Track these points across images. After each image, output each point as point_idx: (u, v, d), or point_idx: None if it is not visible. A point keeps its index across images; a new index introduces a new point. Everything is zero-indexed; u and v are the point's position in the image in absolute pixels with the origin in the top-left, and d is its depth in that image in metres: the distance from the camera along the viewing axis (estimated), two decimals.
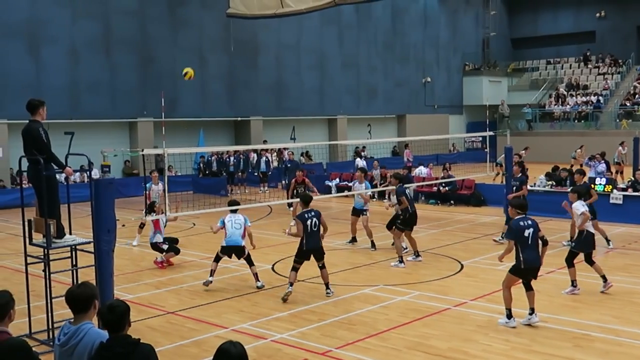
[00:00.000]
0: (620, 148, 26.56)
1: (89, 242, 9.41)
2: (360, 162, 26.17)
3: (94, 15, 26.88)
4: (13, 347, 4.57)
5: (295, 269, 10.80)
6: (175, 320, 9.82)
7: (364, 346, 8.52)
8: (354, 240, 15.46)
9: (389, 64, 39.96)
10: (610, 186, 18.16)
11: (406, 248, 14.02)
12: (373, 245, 14.79)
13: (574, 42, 46.74)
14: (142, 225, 16.00)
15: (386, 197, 22.89)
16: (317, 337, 8.91)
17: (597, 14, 45.66)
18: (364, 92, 38.44)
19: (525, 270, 9.11)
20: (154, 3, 28.65)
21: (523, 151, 24.93)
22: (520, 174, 15.49)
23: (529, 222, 9.13)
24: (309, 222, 10.63)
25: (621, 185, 19.09)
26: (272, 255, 14.44)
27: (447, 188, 22.05)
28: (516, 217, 9.21)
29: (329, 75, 36.27)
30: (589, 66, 45.32)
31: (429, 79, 42.26)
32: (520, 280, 9.26)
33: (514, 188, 15.21)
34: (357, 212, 15.23)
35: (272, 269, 13.13)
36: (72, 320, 4.62)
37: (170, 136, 23.22)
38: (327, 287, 10.91)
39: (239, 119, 32.35)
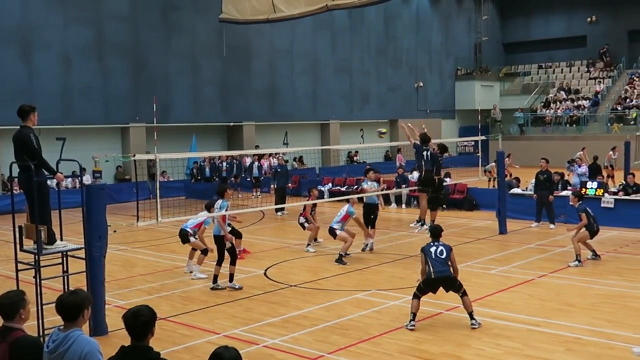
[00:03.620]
0: (611, 153, 26.67)
1: (80, 248, 9.39)
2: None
3: (86, 21, 26.83)
4: (28, 344, 4.59)
5: (416, 297, 9.46)
6: (167, 326, 9.78)
7: (356, 351, 8.50)
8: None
9: (381, 69, 40.03)
10: (602, 190, 18.22)
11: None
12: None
13: (566, 47, 46.94)
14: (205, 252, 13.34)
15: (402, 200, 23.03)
16: (310, 342, 8.89)
17: (589, 19, 45.86)
18: (356, 96, 38.48)
19: None
20: (146, 8, 28.62)
21: (507, 158, 24.92)
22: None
23: None
24: (432, 248, 9.50)
25: (612, 189, 19.17)
26: (265, 260, 14.42)
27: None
28: None
29: (322, 80, 36.30)
30: (581, 70, 45.52)
31: (421, 84, 42.34)
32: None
33: None
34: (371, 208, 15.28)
35: (265, 274, 13.10)
36: (61, 327, 4.59)
37: (163, 141, 23.14)
38: (471, 318, 9.38)
39: (232, 124, 32.33)
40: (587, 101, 41.23)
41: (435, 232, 9.93)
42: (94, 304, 8.99)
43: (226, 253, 11.89)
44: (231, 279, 11.81)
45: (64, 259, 9.17)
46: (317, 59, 36.01)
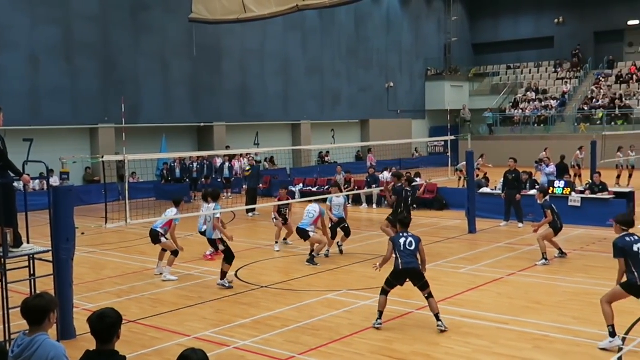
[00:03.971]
0: (578, 152, 27.09)
1: (48, 251, 9.27)
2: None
3: (54, 21, 26.47)
4: None
5: (385, 292, 9.56)
6: (136, 329, 9.71)
7: (327, 351, 8.52)
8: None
9: (352, 69, 40.14)
10: (569, 189, 18.50)
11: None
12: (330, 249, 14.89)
13: (534, 48, 47.56)
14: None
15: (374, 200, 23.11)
16: (281, 343, 8.89)
17: (556, 20, 46.52)
18: (328, 97, 38.54)
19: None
20: (116, 8, 28.32)
21: (480, 159, 25.24)
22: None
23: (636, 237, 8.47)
24: (402, 240, 9.50)
25: (579, 188, 19.47)
26: (236, 261, 14.27)
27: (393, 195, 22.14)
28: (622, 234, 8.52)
29: (293, 80, 36.28)
30: (548, 71, 46.15)
31: (392, 84, 42.56)
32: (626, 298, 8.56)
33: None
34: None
35: (236, 275, 13.06)
36: (27, 331, 4.53)
37: (132, 142, 22.97)
38: (438, 319, 9.36)
39: (202, 124, 32.17)
40: (555, 101, 41.82)
41: (405, 222, 10.03)
42: (62, 308, 8.91)
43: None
44: (223, 277, 11.93)
45: (31, 262, 9.04)
46: (288, 59, 35.98)
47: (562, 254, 13.87)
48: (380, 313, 9.51)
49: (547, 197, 13.91)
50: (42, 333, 4.47)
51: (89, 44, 27.50)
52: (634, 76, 41.42)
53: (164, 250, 13.24)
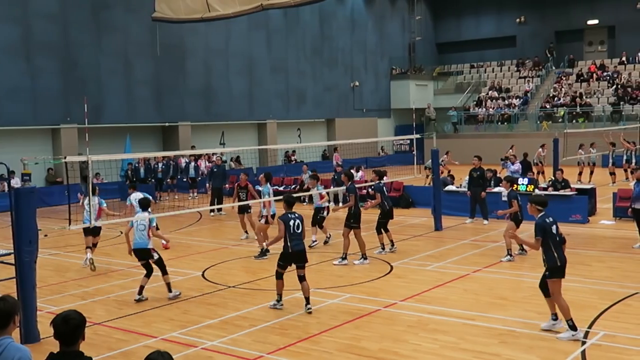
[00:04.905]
0: (540, 150, 27.50)
1: (10, 254, 9.10)
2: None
3: (12, 19, 25.95)
4: None
5: (280, 275, 10.23)
6: (102, 331, 9.58)
7: (295, 350, 8.52)
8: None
9: (317, 69, 40.17)
10: (532, 186, 18.75)
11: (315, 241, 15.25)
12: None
13: (496, 47, 48.17)
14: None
15: (340, 199, 23.17)
16: (249, 343, 8.86)
17: (518, 20, 47.17)
18: (293, 96, 38.51)
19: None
20: (76, 6, 27.87)
21: (445, 155, 25.48)
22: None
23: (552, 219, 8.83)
24: (292, 222, 10.12)
25: (542, 185, 19.76)
26: (202, 262, 14.28)
27: (374, 190, 22.28)
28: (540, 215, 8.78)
29: (258, 79, 36.16)
30: (511, 70, 46.78)
31: (357, 83, 42.70)
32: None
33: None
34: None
35: (203, 275, 12.98)
36: None
37: (96, 143, 22.73)
38: (307, 302, 10.13)
39: (167, 124, 31.88)
40: (518, 100, 42.41)
41: (291, 201, 10.54)
42: (25, 311, 8.76)
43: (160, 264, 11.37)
44: (170, 289, 11.32)
45: None
46: (253, 58, 35.85)
47: (523, 250, 14.07)
48: (280, 296, 10.34)
49: (513, 187, 14.18)
50: (7, 336, 4.39)
51: (49, 43, 27.04)
52: (594, 75, 42.22)
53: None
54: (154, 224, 11.58)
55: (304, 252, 10.29)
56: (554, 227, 8.67)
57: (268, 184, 15.69)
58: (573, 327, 8.57)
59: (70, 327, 4.25)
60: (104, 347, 8.84)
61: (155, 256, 11.24)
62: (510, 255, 13.47)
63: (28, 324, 8.96)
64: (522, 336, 8.81)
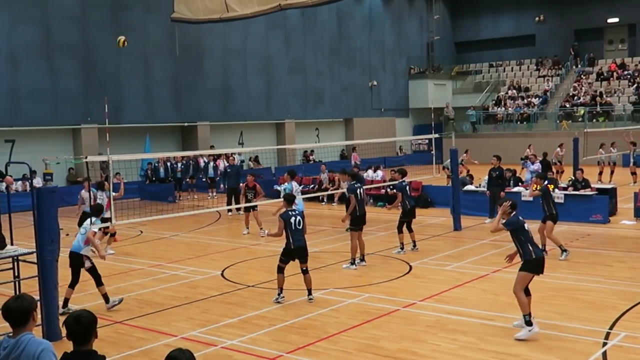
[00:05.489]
0: (559, 149, 27.30)
1: (32, 253, 9.20)
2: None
3: (33, 20, 26.23)
4: None
5: (281, 269, 10.70)
6: (123, 329, 9.66)
7: (314, 350, 8.53)
8: None
9: (335, 68, 40.17)
10: (552, 186, 18.58)
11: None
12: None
13: (515, 46, 47.88)
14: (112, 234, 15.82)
15: (336, 199, 23.20)
16: (268, 342, 8.89)
17: (537, 18, 46.83)
18: (311, 96, 38.54)
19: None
20: (95, 7, 28.12)
21: (465, 154, 25.36)
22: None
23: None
24: (292, 219, 10.58)
25: (562, 185, 19.61)
26: (221, 261, 14.35)
27: (394, 190, 22.24)
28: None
29: (276, 79, 36.24)
30: (530, 69, 46.47)
31: (375, 83, 42.63)
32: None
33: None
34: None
35: (222, 274, 13.04)
36: (10, 334, 4.51)
37: (116, 143, 22.77)
38: (310, 293, 10.75)
39: (186, 124, 32.05)
40: (537, 99, 42.12)
41: (290, 200, 11.01)
42: (47, 309, 8.86)
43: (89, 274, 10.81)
44: (107, 299, 10.63)
45: (15, 263, 8.97)
46: (271, 58, 35.93)
47: (544, 251, 13.98)
48: (281, 289, 10.74)
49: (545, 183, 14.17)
50: (27, 332, 4.46)
51: (69, 44, 27.29)
52: (614, 73, 41.83)
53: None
54: (96, 230, 10.77)
55: (305, 247, 10.76)
56: (526, 225, 9.03)
57: (293, 181, 15.74)
58: (529, 323, 8.70)
59: (82, 326, 4.31)
60: (124, 345, 8.92)
61: (87, 264, 10.59)
62: (565, 250, 13.47)
63: (50, 322, 9.06)
64: (542, 337, 8.76)
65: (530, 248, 8.90)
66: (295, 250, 10.62)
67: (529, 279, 8.93)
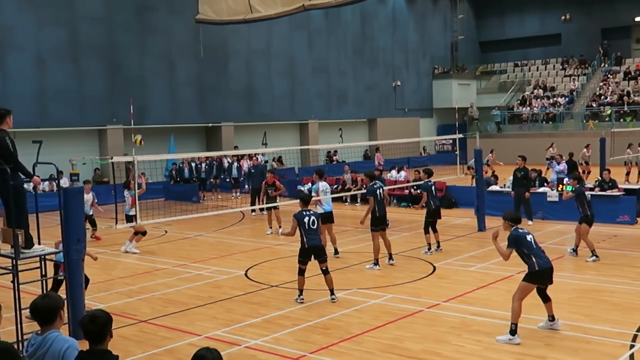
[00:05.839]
0: (585, 150, 27.00)
1: (59, 252, 9.31)
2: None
3: (60, 22, 26.57)
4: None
5: (301, 271, 10.71)
6: (148, 328, 9.74)
7: (338, 350, 8.53)
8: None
9: (358, 68, 40.12)
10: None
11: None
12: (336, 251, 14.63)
13: (540, 45, 47.43)
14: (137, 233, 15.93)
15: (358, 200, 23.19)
16: (291, 342, 8.90)
17: (563, 17, 46.37)
18: (334, 96, 38.54)
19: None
20: (121, 9, 28.41)
21: (490, 154, 25.18)
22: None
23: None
24: (306, 219, 10.59)
25: (589, 185, 19.37)
26: (245, 261, 14.41)
27: (418, 190, 22.16)
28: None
29: (299, 80, 36.30)
30: (556, 68, 46.01)
31: (398, 83, 42.51)
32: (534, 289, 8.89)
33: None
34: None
35: (245, 274, 13.09)
36: (39, 331, 4.59)
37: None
38: (332, 293, 10.77)
39: (210, 125, 32.23)
40: (563, 98, 41.68)
41: (306, 200, 11.12)
42: (74, 308, 8.96)
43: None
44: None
45: (42, 262, 9.08)
46: (294, 59, 36.00)
47: (574, 251, 13.87)
48: (301, 291, 10.75)
49: (580, 184, 13.95)
50: (54, 330, 4.53)
51: (95, 46, 27.60)
52: None
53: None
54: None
55: (320, 246, 10.75)
56: (528, 236, 8.77)
57: (322, 181, 15.50)
58: (513, 332, 8.59)
59: (97, 325, 4.36)
60: (149, 344, 8.99)
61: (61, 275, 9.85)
62: (596, 256, 13.31)
63: (76, 321, 9.13)
64: (567, 338, 8.67)
65: (534, 260, 8.63)
66: (310, 249, 10.61)
67: (530, 289, 8.78)
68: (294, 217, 10.76)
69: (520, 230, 8.85)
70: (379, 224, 13.23)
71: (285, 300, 11.04)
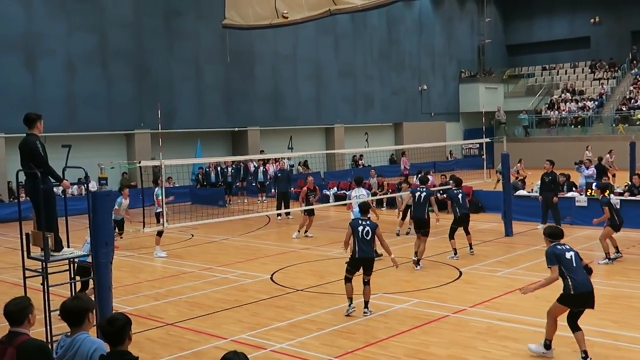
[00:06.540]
0: (608, 156, 26.63)
1: (87, 255, 9.42)
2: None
3: (89, 28, 26.95)
4: (34, 347, 4.67)
5: (348, 280, 10.31)
6: (174, 331, 9.82)
7: (363, 355, 8.52)
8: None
9: (385, 73, 40.06)
10: (608, 191, 18.15)
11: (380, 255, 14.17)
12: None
13: (569, 48, 46.92)
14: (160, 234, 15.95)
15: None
16: (317, 346, 8.91)
17: (592, 20, 45.84)
18: (360, 100, 38.53)
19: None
20: (149, 15, 28.74)
21: (518, 164, 24.93)
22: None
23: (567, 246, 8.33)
24: (360, 228, 10.23)
25: (618, 190, 19.12)
26: (271, 265, 14.45)
27: (444, 195, 22.04)
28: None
29: (325, 84, 36.35)
30: (585, 71, 45.48)
31: (425, 87, 42.37)
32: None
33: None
34: None
35: (271, 278, 13.13)
36: (68, 333, 4.66)
37: (168, 147, 23.27)
38: (366, 306, 10.26)
39: (236, 129, 32.40)
40: (592, 102, 41.17)
41: (364, 208, 10.86)
42: (102, 311, 9.04)
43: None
44: None
45: (72, 265, 9.20)
46: (320, 63, 36.07)
47: (618, 252, 13.74)
48: (351, 299, 10.29)
49: (605, 194, 13.81)
50: (83, 332, 4.60)
51: (124, 51, 27.94)
52: None
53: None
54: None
55: (370, 259, 10.32)
56: (568, 254, 8.08)
57: (360, 187, 15.56)
58: (547, 347, 8.22)
59: (115, 328, 4.44)
60: (175, 347, 9.06)
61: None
62: (609, 259, 13.24)
63: None
64: (596, 345, 8.56)
65: (570, 282, 7.96)
66: (361, 260, 10.20)
67: (563, 311, 8.17)
68: (350, 224, 10.43)
69: (559, 247, 8.14)
70: (416, 227, 14.18)
71: (311, 304, 11.05)
